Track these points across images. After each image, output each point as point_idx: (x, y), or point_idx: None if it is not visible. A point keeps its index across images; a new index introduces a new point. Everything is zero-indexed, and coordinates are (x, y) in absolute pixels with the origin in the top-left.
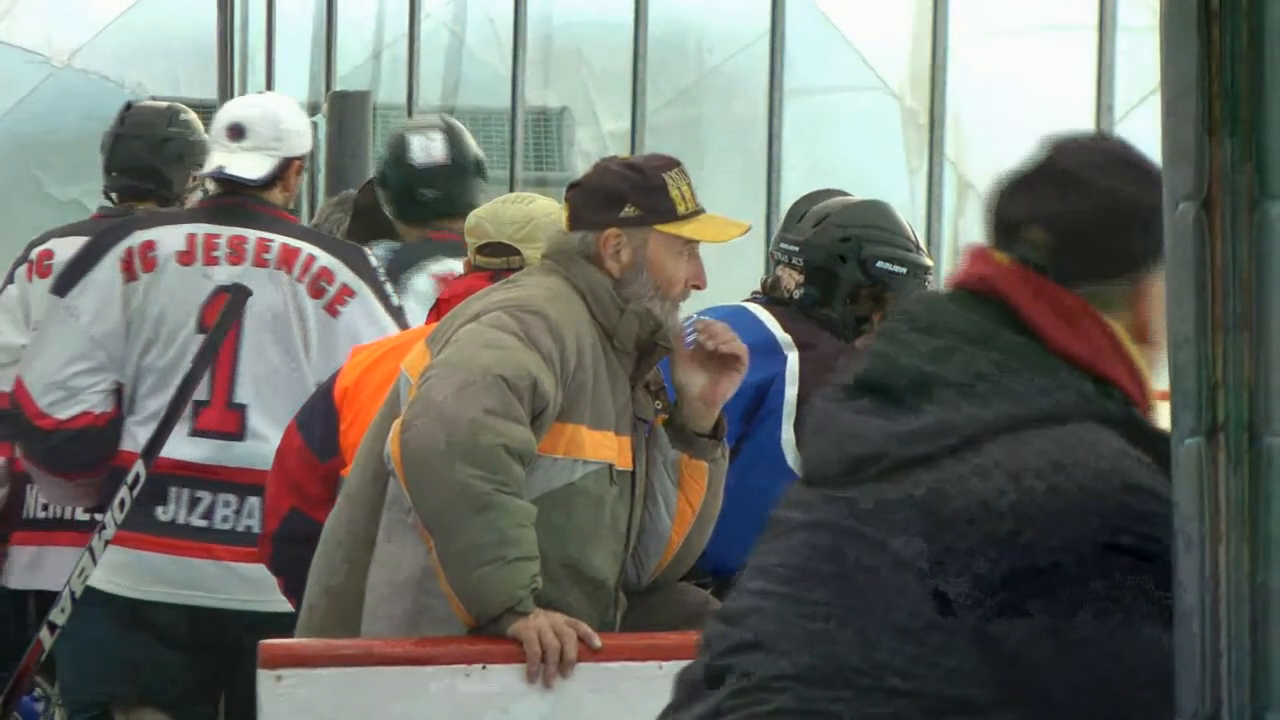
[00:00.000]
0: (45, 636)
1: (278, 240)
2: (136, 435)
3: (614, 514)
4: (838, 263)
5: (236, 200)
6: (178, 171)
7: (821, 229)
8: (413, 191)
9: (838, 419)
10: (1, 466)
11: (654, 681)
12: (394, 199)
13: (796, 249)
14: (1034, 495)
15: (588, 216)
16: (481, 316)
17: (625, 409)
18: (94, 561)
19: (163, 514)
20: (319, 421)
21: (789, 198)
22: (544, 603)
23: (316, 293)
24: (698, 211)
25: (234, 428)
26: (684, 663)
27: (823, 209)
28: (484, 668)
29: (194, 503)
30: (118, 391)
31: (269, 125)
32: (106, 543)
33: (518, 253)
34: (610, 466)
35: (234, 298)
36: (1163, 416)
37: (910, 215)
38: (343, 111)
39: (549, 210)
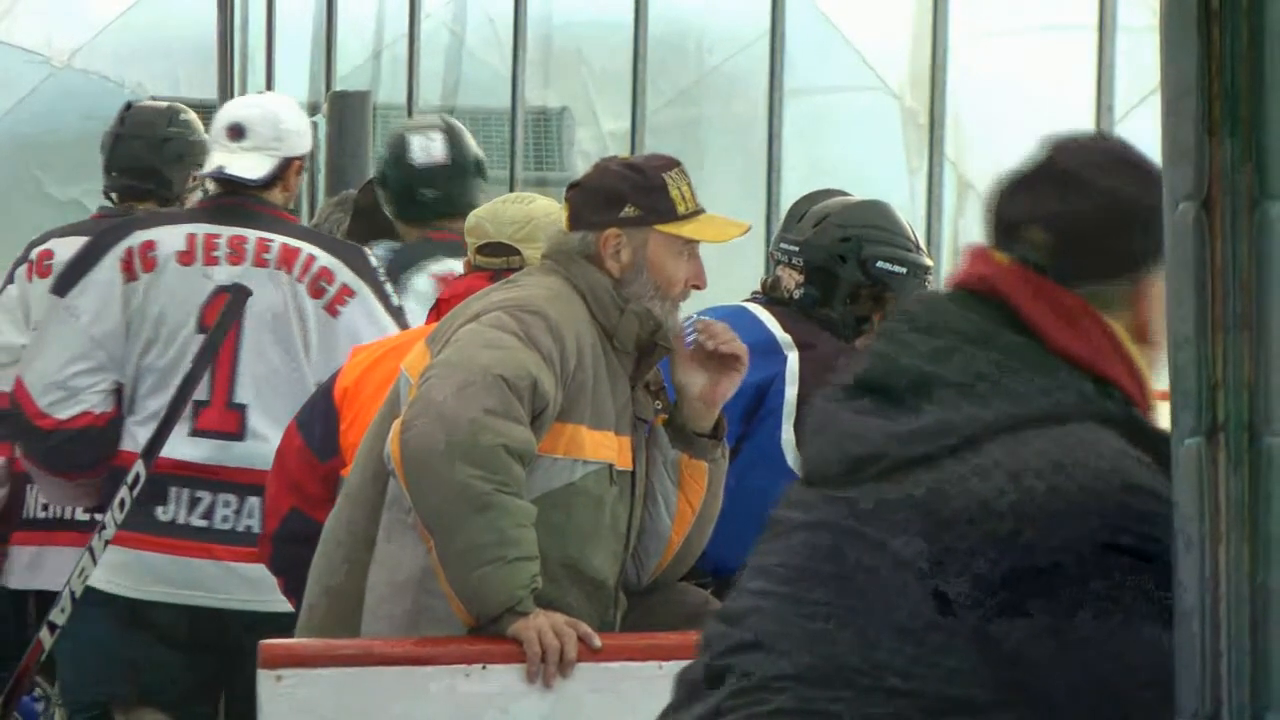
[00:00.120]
0: (45, 636)
1: (278, 240)
2: (136, 435)
3: (614, 514)
4: (838, 263)
5: (236, 200)
6: (178, 171)
7: (821, 229)
8: (413, 191)
9: (838, 419)
10: (1, 466)
11: (654, 681)
12: (394, 199)
13: (796, 249)
14: (1034, 495)
15: (588, 216)
16: (481, 316)
17: (625, 409)
18: (94, 561)
19: (163, 514)
20: (319, 421)
21: (789, 198)
22: (544, 603)
23: (316, 293)
24: (698, 211)
25: (234, 428)
26: (684, 663)
27: (823, 209)
28: (484, 668)
29: (194, 503)
30: (118, 392)
31: (269, 125)
32: (106, 543)
33: (518, 253)
34: (610, 466)
35: (234, 298)
36: (1163, 416)
37: (910, 215)
38: (343, 111)
39: (549, 210)
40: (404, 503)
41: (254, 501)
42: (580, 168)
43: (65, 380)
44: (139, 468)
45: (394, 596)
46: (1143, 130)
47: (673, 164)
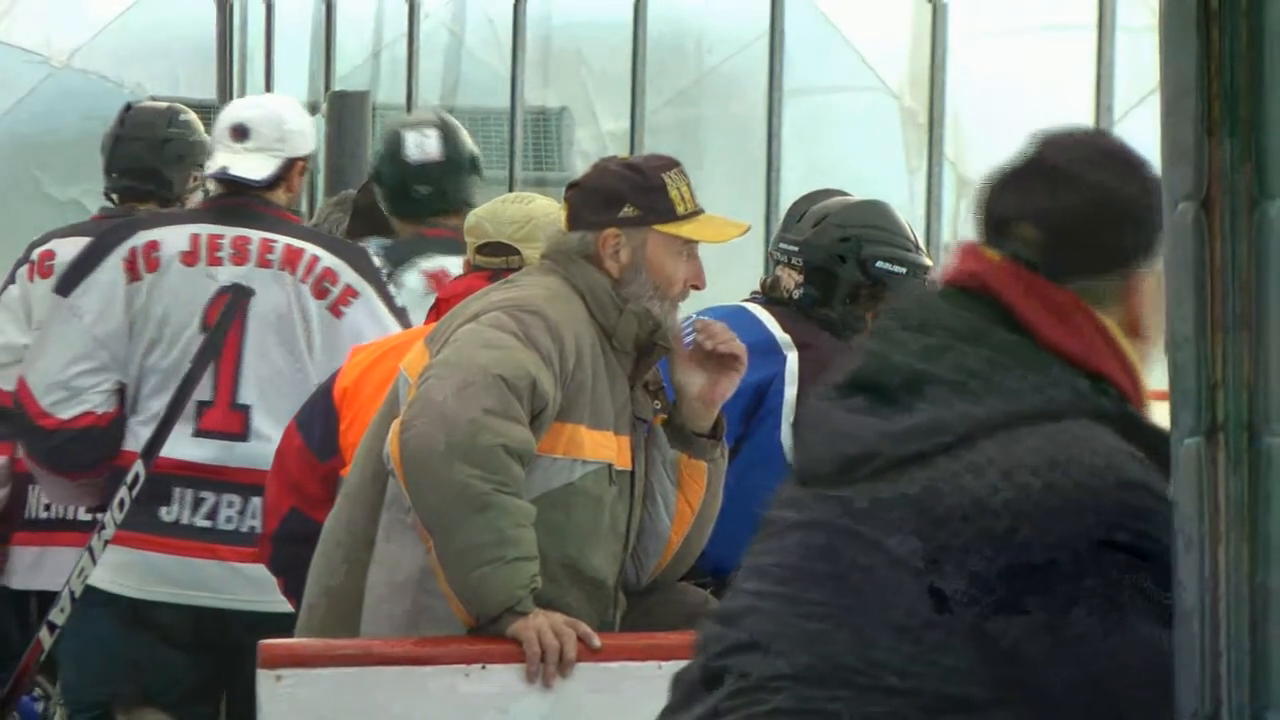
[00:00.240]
0: (45, 636)
1: (281, 241)
2: (139, 435)
3: (613, 514)
4: (837, 263)
5: (240, 201)
6: (178, 172)
7: (821, 229)
8: (407, 187)
9: (830, 418)
10: (3, 466)
11: (654, 681)
12: (388, 195)
13: (796, 249)
14: (1029, 492)
15: (587, 216)
16: (480, 316)
17: (624, 409)
18: (94, 561)
19: (166, 514)
20: (319, 421)
21: (788, 198)
22: (544, 603)
23: (320, 293)
24: (697, 211)
25: (238, 428)
26: (683, 663)
27: (822, 209)
28: (484, 668)
29: (198, 503)
30: (120, 392)
31: (272, 126)
32: (106, 543)
33: (517, 252)
34: (609, 466)
35: (234, 297)
36: (1161, 416)
37: (910, 215)
38: (342, 111)
39: (548, 210)
40: (403, 502)
41: (258, 502)
42: (579, 168)
43: (68, 380)
44: (138, 468)
45: (393, 596)
46: (1142, 130)
47: (672, 164)
